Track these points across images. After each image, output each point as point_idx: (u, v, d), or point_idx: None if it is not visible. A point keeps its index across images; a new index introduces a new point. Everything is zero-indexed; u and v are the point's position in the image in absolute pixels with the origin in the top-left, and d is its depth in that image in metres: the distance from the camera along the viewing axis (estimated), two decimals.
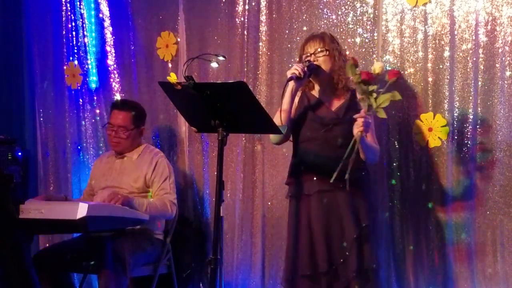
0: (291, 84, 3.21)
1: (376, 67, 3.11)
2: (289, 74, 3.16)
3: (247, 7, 4.17)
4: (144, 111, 4.19)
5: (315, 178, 3.28)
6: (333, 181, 3.09)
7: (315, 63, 3.27)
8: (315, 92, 3.40)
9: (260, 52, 4.14)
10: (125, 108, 4.06)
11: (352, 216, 3.22)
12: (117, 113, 4.06)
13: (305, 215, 3.30)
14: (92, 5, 4.87)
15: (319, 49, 3.29)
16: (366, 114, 3.08)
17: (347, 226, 3.22)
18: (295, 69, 3.16)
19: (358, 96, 3.13)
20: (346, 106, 3.30)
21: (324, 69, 3.29)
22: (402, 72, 3.66)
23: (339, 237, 3.23)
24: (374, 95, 3.06)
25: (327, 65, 3.29)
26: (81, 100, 4.95)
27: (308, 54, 3.31)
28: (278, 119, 3.21)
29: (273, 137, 3.35)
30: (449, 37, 3.54)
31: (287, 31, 4.05)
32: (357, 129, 3.08)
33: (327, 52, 3.28)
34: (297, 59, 3.42)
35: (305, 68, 3.19)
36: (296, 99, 3.37)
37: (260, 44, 4.14)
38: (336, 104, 3.32)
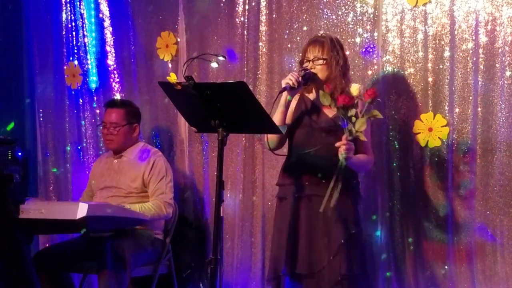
0: (285, 94, 3.21)
1: (354, 89, 3.10)
2: (283, 84, 3.15)
3: (247, 7, 4.17)
4: (138, 110, 4.22)
5: (307, 183, 3.27)
6: (325, 184, 3.13)
7: (312, 70, 3.25)
8: (313, 96, 3.38)
9: (260, 52, 4.14)
10: (117, 106, 4.15)
11: (340, 222, 3.19)
12: (109, 111, 4.13)
13: (292, 217, 3.27)
14: (92, 5, 4.86)
15: (317, 57, 3.27)
16: (347, 140, 3.06)
17: (334, 231, 3.19)
18: (289, 79, 3.14)
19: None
20: None
21: (321, 77, 3.26)
22: (402, 72, 3.66)
23: (324, 241, 3.20)
24: (354, 119, 3.04)
25: (324, 73, 3.27)
26: (81, 100, 4.95)
27: (307, 61, 3.29)
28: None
29: (270, 142, 3.29)
30: (449, 37, 3.54)
31: (287, 31, 4.04)
32: (341, 156, 3.07)
33: (324, 61, 3.26)
34: (298, 61, 3.40)
35: (300, 78, 3.17)
36: (294, 103, 3.35)
37: (260, 44, 4.13)
38: (334, 110, 3.30)
